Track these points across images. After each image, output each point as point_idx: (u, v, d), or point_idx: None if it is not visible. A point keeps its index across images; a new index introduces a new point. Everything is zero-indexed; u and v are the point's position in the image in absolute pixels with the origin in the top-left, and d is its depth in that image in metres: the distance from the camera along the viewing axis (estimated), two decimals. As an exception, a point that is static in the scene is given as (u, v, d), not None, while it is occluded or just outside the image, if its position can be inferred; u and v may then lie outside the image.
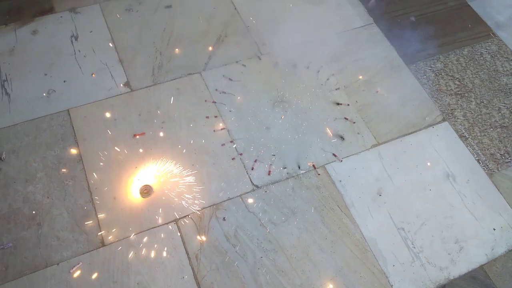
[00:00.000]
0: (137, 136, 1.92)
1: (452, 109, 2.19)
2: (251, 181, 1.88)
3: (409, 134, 2.08)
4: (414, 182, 1.96)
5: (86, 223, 1.71)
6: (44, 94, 1.99)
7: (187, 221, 1.76)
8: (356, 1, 2.53)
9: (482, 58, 2.40)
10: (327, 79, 2.19)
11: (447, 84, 2.28)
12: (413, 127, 2.10)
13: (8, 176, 1.78)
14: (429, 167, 2.00)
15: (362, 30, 2.41)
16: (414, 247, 1.81)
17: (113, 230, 1.71)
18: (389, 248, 1.79)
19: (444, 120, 2.15)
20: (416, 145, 2.05)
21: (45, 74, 2.04)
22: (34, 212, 1.71)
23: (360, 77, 2.22)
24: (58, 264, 1.62)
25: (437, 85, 2.27)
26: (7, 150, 1.83)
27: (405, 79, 2.25)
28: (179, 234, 1.73)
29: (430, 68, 2.32)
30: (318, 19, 2.40)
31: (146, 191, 1.80)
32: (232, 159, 1.93)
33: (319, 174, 1.92)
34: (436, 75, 2.31)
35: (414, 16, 2.52)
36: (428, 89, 2.24)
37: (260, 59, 2.22)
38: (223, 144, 1.96)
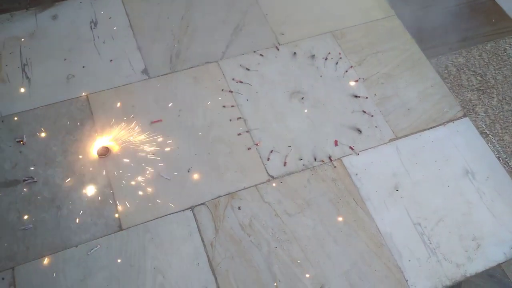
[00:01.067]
0: (154, 123, 1.93)
1: (473, 105, 2.16)
2: (267, 172, 1.88)
3: (429, 129, 2.05)
4: (432, 178, 1.93)
5: (104, 207, 1.73)
6: (64, 79, 2.00)
7: (203, 209, 1.77)
8: (377, -8, 2.49)
9: (505, 54, 2.35)
10: (346, 71, 2.17)
11: (468, 79, 2.24)
12: (433, 122, 2.07)
13: (28, 159, 1.80)
14: (448, 163, 1.98)
15: (383, 22, 2.37)
16: (431, 243, 1.79)
17: (130, 215, 1.73)
18: (405, 243, 1.78)
19: (464, 115, 2.11)
20: (435, 141, 2.02)
21: (65, 59, 2.06)
22: (53, 195, 1.74)
23: (380, 70, 2.19)
24: (76, 246, 1.65)
25: (459, 80, 2.23)
26: (27, 133, 1.86)
27: (426, 73, 2.22)
28: (194, 221, 1.74)
29: (451, 62, 2.28)
30: (338, 10, 2.37)
31: (103, 152, 1.83)
32: (248, 149, 1.93)
33: (335, 167, 1.91)
34: (458, 69, 2.26)
35: (436, 9, 2.47)
36: (449, 84, 2.21)
37: (278, 49, 2.21)
38: (239, 134, 1.96)
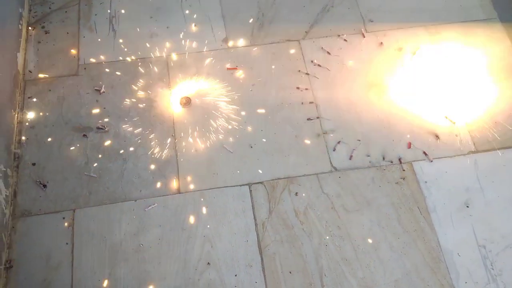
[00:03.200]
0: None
1: None
2: (331, 162, 1.82)
3: (513, 147, 1.89)
4: (507, 200, 1.78)
5: (167, 168, 1.77)
6: (147, 37, 2.04)
7: (260, 188, 1.76)
8: (482, -10, 2.28)
9: None
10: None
11: None
12: (520, 140, 1.90)
13: (103, 109, 1.87)
14: (529, 188, 1.81)
15: (483, 24, 2.17)
16: (493, 269, 1.67)
17: (189, 180, 1.75)
18: (465, 263, 1.67)
19: (557, 140, 1.91)
20: (519, 161, 1.86)
21: (151, 17, 2.09)
22: (121, 147, 1.80)
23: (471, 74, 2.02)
24: (135, 200, 1.71)
25: (558, 100, 2.01)
26: (106, 84, 1.92)
27: (522, 86, 2.02)
28: (250, 198, 1.73)
29: (554, 79, 2.06)
30: (436, 4, 2.20)
31: (185, 101, 1.87)
32: (316, 135, 1.87)
33: (404, 170, 1.81)
34: (560, 88, 2.04)
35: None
36: (546, 102, 2.00)
37: (364, 36, 2.10)
38: (309, 119, 1.90)
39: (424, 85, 1.99)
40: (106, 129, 1.82)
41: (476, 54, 2.08)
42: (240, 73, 1.97)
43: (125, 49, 2.00)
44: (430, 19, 2.16)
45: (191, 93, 1.92)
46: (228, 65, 1.98)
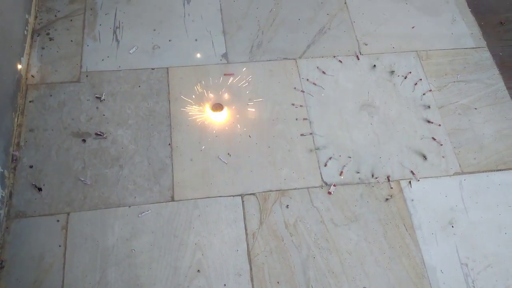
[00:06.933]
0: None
1: (552, 156, 2.02)
2: (321, 177, 1.88)
3: (498, 171, 1.96)
4: (490, 222, 1.84)
5: (162, 176, 1.81)
6: (150, 48, 2.10)
7: (252, 199, 1.80)
8: (472, 20, 2.38)
9: None
10: (423, 94, 2.10)
11: (552, 128, 2.10)
12: (504, 164, 1.97)
13: (102, 116, 1.92)
14: (511, 210, 1.87)
15: (472, 52, 2.28)
16: (474, 287, 1.72)
17: (184, 189, 1.79)
18: (447, 280, 1.72)
19: (540, 165, 1.99)
20: (502, 184, 1.92)
21: (154, 30, 2.16)
22: (118, 154, 1.84)
23: (459, 99, 2.11)
24: (129, 206, 1.74)
25: (541, 127, 2.10)
26: (107, 92, 1.97)
27: (507, 113, 2.10)
28: (242, 209, 1.78)
29: (537, 107, 2.15)
30: (428, 31, 2.30)
31: (217, 108, 1.97)
32: (308, 151, 1.93)
33: (391, 188, 1.87)
34: (543, 116, 2.13)
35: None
36: (530, 129, 2.09)
37: (358, 58, 2.18)
38: (302, 134, 1.96)
39: (413, 107, 2.07)
40: (104, 136, 1.86)
41: (465, 79, 2.17)
42: (237, 88, 2.04)
43: (127, 59, 2.06)
44: (422, 45, 2.25)
45: (190, 105, 1.98)
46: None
